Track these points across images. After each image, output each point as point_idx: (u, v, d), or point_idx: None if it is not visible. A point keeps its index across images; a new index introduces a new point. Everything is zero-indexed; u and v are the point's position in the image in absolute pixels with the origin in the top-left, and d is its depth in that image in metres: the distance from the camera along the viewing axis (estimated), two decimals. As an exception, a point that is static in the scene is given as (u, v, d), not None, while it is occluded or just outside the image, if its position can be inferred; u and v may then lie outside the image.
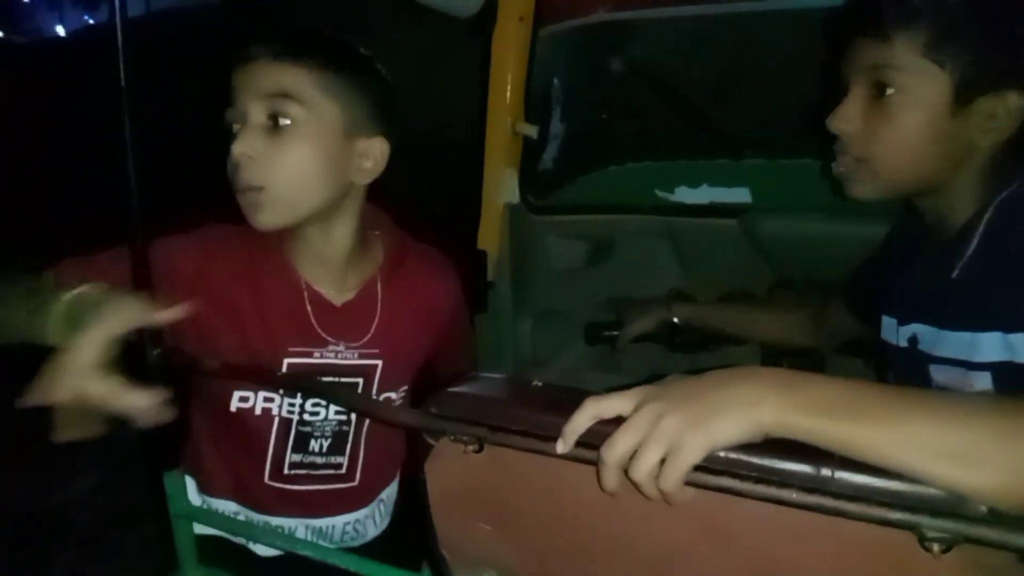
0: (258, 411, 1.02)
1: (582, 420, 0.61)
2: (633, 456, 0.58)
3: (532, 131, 1.57)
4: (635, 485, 0.58)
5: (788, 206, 1.61)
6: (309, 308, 1.02)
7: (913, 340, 0.94)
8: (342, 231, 1.02)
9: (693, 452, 0.56)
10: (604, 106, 1.86)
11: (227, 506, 1.09)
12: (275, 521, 1.08)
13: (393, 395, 1.10)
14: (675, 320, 1.45)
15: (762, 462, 0.56)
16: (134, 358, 0.83)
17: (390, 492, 1.20)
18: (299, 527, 1.10)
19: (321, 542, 1.10)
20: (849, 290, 1.23)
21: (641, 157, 1.86)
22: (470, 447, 0.69)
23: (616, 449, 0.58)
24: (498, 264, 1.62)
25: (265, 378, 0.82)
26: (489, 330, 1.64)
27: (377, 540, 1.17)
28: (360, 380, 1.06)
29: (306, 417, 1.05)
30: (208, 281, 0.98)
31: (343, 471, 1.09)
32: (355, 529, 1.14)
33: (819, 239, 1.51)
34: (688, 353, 1.63)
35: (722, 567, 0.64)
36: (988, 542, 0.51)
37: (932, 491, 0.53)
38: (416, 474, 0.74)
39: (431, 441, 0.72)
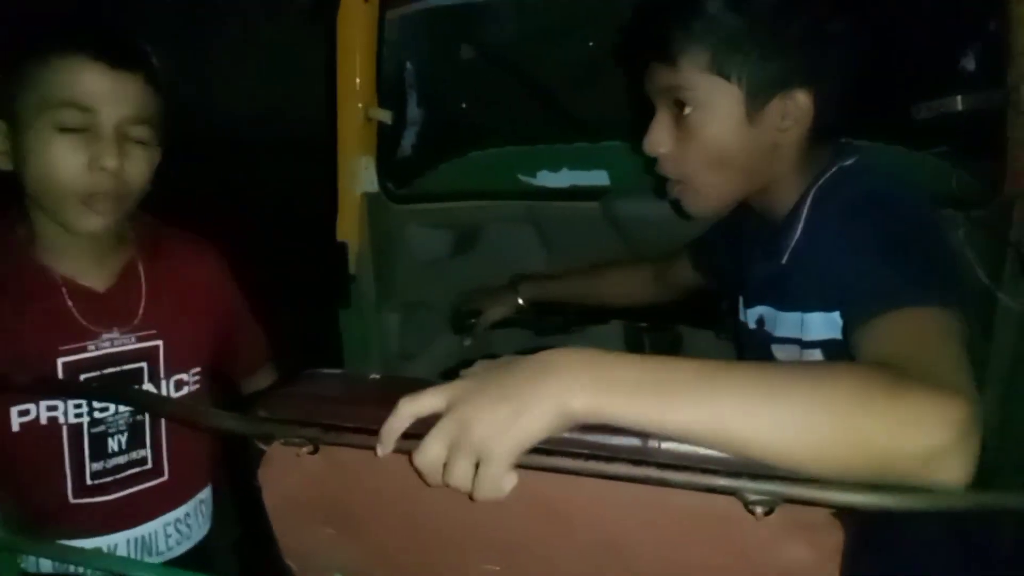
0: (43, 421, 0.95)
1: (398, 423, 0.59)
2: (446, 462, 0.57)
3: (386, 116, 1.52)
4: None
5: (644, 187, 1.64)
6: (70, 302, 0.98)
7: (760, 321, 0.99)
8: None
9: (500, 461, 0.55)
10: (462, 90, 1.84)
11: None
12: (92, 543, 1.00)
13: (185, 376, 1.07)
14: (520, 301, 1.49)
15: (592, 438, 0.56)
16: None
17: (208, 493, 1.15)
18: (120, 544, 1.02)
19: (146, 557, 1.04)
20: (695, 250, 1.32)
21: (502, 142, 1.85)
22: (304, 449, 0.65)
23: (426, 457, 0.57)
24: (359, 256, 1.56)
25: (71, 388, 0.75)
26: (353, 325, 1.59)
27: (202, 544, 1.12)
28: (144, 364, 1.02)
29: (96, 415, 0.99)
30: None
31: (149, 465, 1.04)
32: (178, 530, 1.08)
33: (671, 218, 1.54)
34: (555, 335, 1.65)
35: (566, 546, 0.64)
36: (805, 500, 0.52)
37: (752, 455, 0.54)
38: (241, 474, 0.69)
39: (263, 447, 0.67)
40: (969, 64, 1.34)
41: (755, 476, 0.53)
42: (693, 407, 0.54)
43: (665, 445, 0.55)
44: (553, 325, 1.60)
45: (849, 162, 0.89)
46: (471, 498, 0.57)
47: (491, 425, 0.55)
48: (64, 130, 0.89)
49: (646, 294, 1.43)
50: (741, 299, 1.05)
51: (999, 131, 1.24)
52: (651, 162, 1.69)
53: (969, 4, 1.31)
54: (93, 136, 0.90)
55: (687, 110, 0.87)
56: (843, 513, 0.54)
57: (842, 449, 0.54)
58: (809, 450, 0.54)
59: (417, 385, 0.65)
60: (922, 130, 1.35)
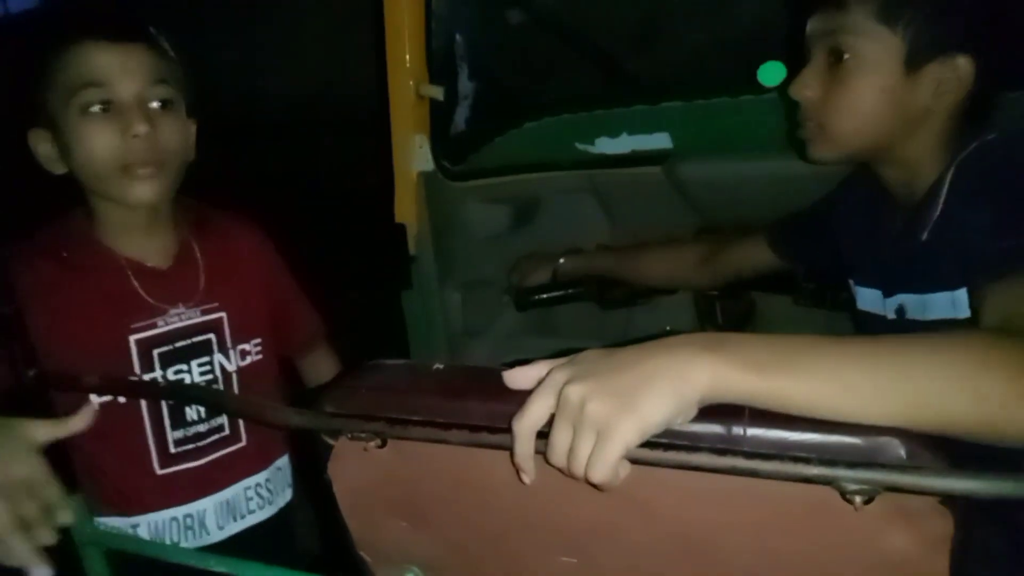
0: (121, 399, 1.01)
1: (525, 447, 0.56)
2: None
3: (438, 93, 1.48)
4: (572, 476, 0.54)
5: (708, 148, 1.57)
6: (136, 282, 1.03)
7: (900, 311, 0.95)
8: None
9: (623, 438, 0.51)
10: (515, 60, 1.79)
11: (116, 522, 1.03)
12: (183, 511, 1.06)
13: (247, 346, 1.11)
14: (560, 261, 1.52)
15: (672, 427, 0.52)
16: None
17: (285, 461, 1.19)
18: (208, 509, 1.07)
19: (232, 521, 1.09)
20: (780, 234, 1.25)
21: (558, 110, 1.78)
22: (371, 443, 0.64)
23: (558, 451, 0.54)
24: (419, 236, 1.55)
25: (146, 390, 0.76)
26: (416, 306, 1.58)
27: (284, 512, 1.16)
28: (212, 336, 1.08)
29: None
30: (36, 290, 0.97)
31: (227, 432, 1.09)
32: (259, 495, 1.13)
33: (739, 179, 1.48)
34: (620, 308, 1.61)
35: (647, 537, 0.61)
36: (908, 488, 0.48)
37: (848, 441, 0.50)
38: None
39: (330, 441, 0.66)
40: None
41: (852, 464, 0.48)
42: (821, 378, 0.52)
43: (751, 432, 0.51)
44: (618, 298, 1.55)
45: (991, 136, 0.85)
46: (588, 481, 0.53)
47: (611, 402, 0.52)
48: (90, 112, 0.95)
49: (689, 278, 1.42)
50: (868, 288, 1.01)
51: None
52: (714, 122, 1.63)
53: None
54: (117, 110, 0.95)
55: (845, 57, 0.86)
56: (952, 500, 0.50)
57: (960, 414, 0.52)
58: (929, 415, 0.52)
59: (481, 375, 0.63)
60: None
